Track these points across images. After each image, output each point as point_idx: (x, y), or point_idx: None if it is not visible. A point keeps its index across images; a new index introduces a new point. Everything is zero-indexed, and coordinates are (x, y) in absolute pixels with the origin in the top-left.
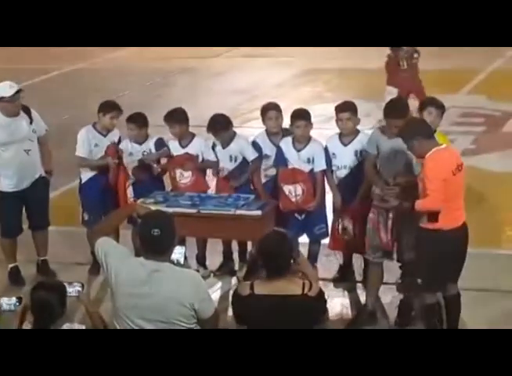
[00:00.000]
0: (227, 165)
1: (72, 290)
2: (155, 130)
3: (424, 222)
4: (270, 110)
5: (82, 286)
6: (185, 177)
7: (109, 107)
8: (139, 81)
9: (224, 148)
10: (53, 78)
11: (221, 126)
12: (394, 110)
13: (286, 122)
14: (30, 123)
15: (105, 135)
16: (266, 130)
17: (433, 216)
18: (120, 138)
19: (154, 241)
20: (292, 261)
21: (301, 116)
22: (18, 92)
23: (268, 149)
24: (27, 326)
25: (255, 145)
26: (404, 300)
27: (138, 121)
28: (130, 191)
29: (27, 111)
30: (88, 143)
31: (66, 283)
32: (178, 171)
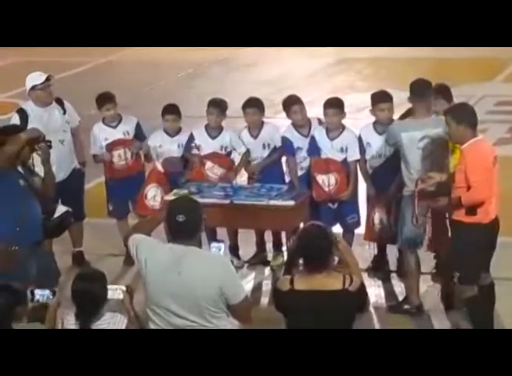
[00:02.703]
0: (261, 154)
1: (113, 293)
2: (187, 121)
3: (461, 216)
4: (293, 105)
5: (126, 290)
6: (214, 172)
7: (102, 100)
8: (171, 73)
9: (255, 138)
10: (85, 72)
11: (255, 104)
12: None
13: (315, 112)
14: (64, 114)
15: (115, 127)
16: (292, 123)
17: (471, 210)
18: (137, 125)
19: (180, 227)
20: (332, 253)
21: (331, 104)
22: (48, 79)
23: (299, 141)
24: (64, 320)
25: (285, 140)
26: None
27: (175, 112)
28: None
29: (60, 102)
30: (97, 140)
31: (109, 288)
32: (208, 165)
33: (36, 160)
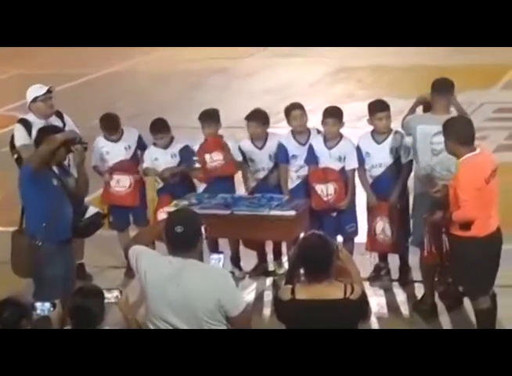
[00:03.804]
0: (267, 164)
1: (110, 296)
2: (188, 132)
3: (456, 230)
4: (293, 110)
5: (121, 292)
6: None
7: (102, 123)
8: (172, 84)
9: (261, 149)
10: (87, 82)
11: (260, 117)
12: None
13: (316, 121)
14: (64, 126)
15: (116, 141)
16: (292, 130)
17: (465, 225)
18: (139, 138)
19: (178, 238)
20: (333, 262)
21: (329, 113)
22: (50, 91)
23: (295, 149)
24: None
25: (280, 146)
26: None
27: (162, 129)
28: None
29: (60, 115)
30: (97, 152)
31: (105, 290)
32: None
33: (72, 160)
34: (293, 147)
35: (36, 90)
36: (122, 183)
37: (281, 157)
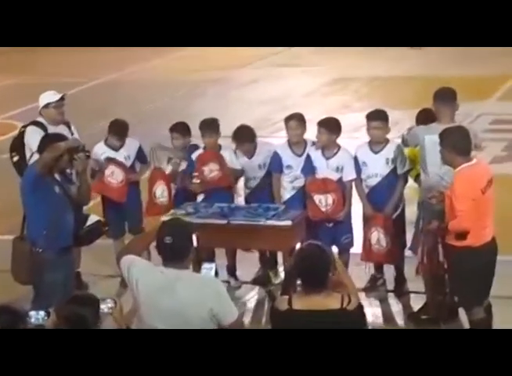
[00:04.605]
0: (257, 174)
1: (104, 306)
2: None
3: (452, 240)
4: (291, 120)
5: (115, 302)
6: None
7: (112, 128)
8: (170, 92)
9: (250, 158)
10: (84, 91)
11: (246, 138)
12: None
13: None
14: (72, 135)
15: (117, 150)
16: (288, 140)
17: (460, 235)
18: (139, 149)
19: (167, 249)
20: (330, 273)
21: (322, 123)
22: (63, 98)
23: (290, 159)
24: None
25: (275, 155)
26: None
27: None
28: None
29: (68, 125)
30: (94, 160)
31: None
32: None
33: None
34: (288, 157)
35: (50, 96)
36: (116, 176)
37: (275, 165)
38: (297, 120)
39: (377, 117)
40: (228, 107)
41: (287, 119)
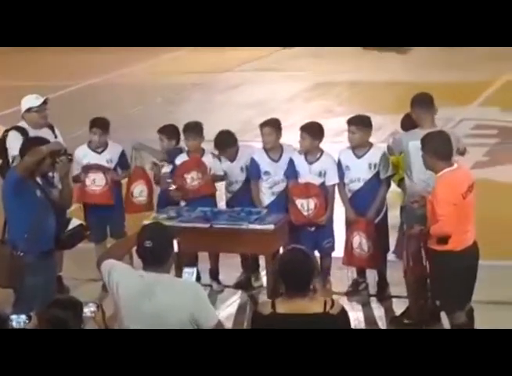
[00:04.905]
0: (238, 177)
1: (87, 310)
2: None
3: (434, 244)
4: (264, 127)
5: (97, 306)
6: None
7: (92, 123)
8: (152, 97)
9: (232, 162)
10: (66, 95)
11: (226, 143)
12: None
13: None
14: (55, 138)
15: (99, 153)
16: (263, 146)
17: (442, 239)
18: (122, 153)
19: (147, 253)
20: (314, 274)
21: (305, 128)
22: (45, 102)
23: (268, 165)
24: None
25: (252, 162)
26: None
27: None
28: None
29: (51, 129)
30: (79, 163)
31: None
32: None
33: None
34: (265, 164)
35: (32, 100)
36: (98, 182)
37: (253, 172)
38: (271, 126)
39: (357, 122)
40: (212, 111)
41: (262, 125)
